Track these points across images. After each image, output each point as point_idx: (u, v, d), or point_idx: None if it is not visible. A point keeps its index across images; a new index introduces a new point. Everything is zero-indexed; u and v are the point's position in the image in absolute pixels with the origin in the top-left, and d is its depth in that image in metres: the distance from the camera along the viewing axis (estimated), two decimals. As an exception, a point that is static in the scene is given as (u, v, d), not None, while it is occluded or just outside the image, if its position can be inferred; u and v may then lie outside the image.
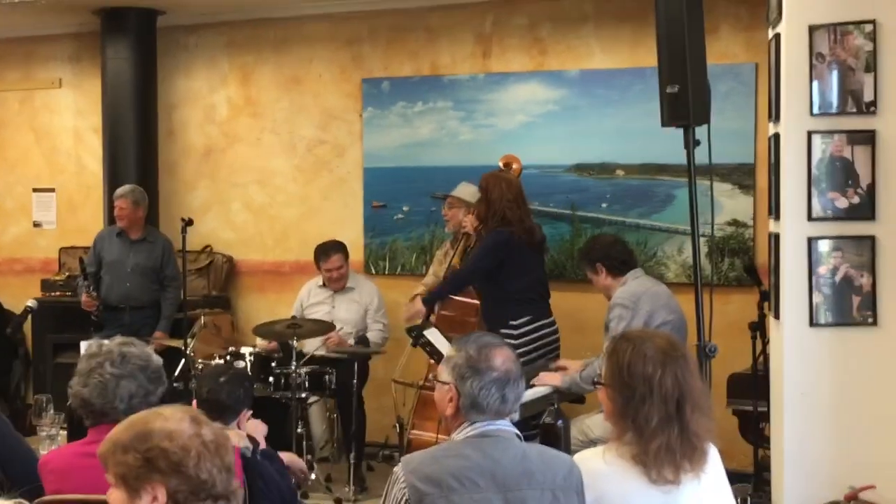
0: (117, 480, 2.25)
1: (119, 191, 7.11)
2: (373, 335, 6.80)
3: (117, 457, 2.25)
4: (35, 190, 8.68)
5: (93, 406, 3.13)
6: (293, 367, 6.05)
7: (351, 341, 6.71)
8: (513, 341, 5.43)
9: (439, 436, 5.72)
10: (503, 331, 5.55)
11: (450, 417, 2.91)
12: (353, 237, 7.44)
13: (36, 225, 8.70)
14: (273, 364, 6.20)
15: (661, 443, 2.82)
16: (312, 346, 6.65)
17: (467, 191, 6.51)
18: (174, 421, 2.26)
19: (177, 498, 2.21)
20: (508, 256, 5.82)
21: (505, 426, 2.87)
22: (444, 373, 2.93)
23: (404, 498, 2.73)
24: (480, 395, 2.83)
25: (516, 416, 2.93)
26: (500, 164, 6.40)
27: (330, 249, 6.86)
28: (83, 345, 5.36)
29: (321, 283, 6.96)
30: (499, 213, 5.78)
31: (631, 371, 2.88)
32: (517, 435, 2.89)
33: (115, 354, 3.18)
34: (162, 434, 2.22)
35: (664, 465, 2.81)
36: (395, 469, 2.80)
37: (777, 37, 4.43)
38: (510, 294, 5.80)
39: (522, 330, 5.73)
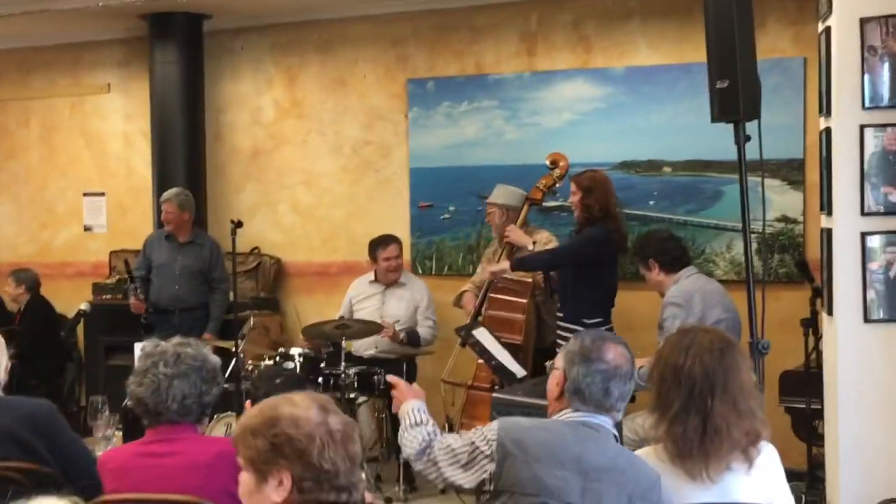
0: (246, 463, 2.31)
1: (165, 195, 7.18)
2: (423, 331, 6.81)
3: (247, 440, 2.30)
4: (86, 194, 8.79)
5: (147, 405, 3.16)
6: (342, 368, 6.07)
7: (402, 335, 6.72)
8: None
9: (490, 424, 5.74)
10: (573, 327, 5.53)
11: (553, 401, 3.01)
12: (400, 237, 7.42)
13: (87, 229, 8.81)
14: (322, 365, 6.22)
15: (678, 431, 2.84)
16: (362, 345, 6.68)
17: (500, 193, 6.50)
18: (303, 408, 2.29)
19: (301, 485, 2.25)
20: (607, 257, 5.82)
21: (607, 423, 2.94)
22: (558, 359, 3.04)
23: (490, 450, 2.86)
24: (584, 383, 2.92)
25: (619, 416, 2.99)
26: (547, 163, 6.37)
27: (388, 239, 6.92)
28: (137, 347, 5.43)
29: (372, 278, 6.98)
30: (604, 207, 5.74)
31: (666, 360, 2.93)
32: (615, 436, 2.93)
33: (169, 354, 3.21)
34: (289, 420, 2.26)
35: (685, 457, 2.81)
36: (492, 423, 2.93)
37: (827, 30, 4.38)
38: (593, 294, 5.76)
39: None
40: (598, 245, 5.74)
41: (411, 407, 3.27)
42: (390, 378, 3.61)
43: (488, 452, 2.87)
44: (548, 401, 3.09)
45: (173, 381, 3.15)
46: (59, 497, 2.01)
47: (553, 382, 3.02)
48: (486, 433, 2.90)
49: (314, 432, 2.25)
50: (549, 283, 6.05)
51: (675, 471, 2.86)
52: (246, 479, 2.31)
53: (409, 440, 3.14)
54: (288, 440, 2.24)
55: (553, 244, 6.25)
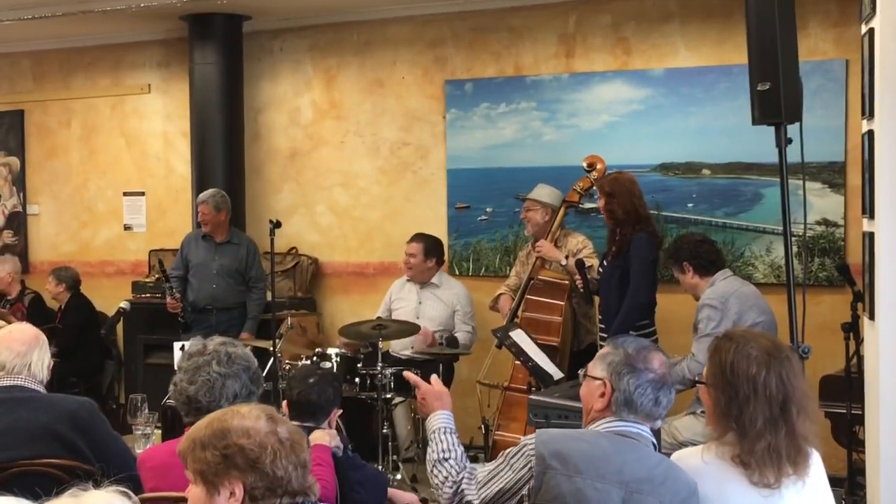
0: (196, 477, 2.31)
1: (202, 196, 7.23)
2: (461, 336, 6.80)
3: (196, 454, 2.30)
4: (126, 194, 8.87)
5: (199, 403, 3.19)
6: (379, 368, 6.08)
7: (440, 340, 6.71)
8: None
9: (525, 437, 5.73)
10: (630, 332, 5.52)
11: (597, 411, 2.95)
12: (438, 238, 7.44)
13: (127, 228, 8.89)
14: (359, 365, 6.24)
15: (766, 444, 2.79)
16: (399, 345, 6.69)
17: (543, 192, 6.49)
18: (251, 419, 2.30)
19: (254, 494, 2.26)
20: (657, 264, 5.80)
21: (646, 432, 2.90)
22: (597, 368, 2.97)
23: (529, 464, 2.81)
24: (636, 394, 2.88)
25: (660, 423, 2.96)
26: (584, 165, 6.35)
27: (413, 237, 6.95)
28: (176, 346, 5.48)
29: (407, 277, 7.00)
30: (632, 212, 5.70)
31: (735, 370, 2.86)
32: (653, 444, 2.90)
33: (221, 354, 3.25)
34: (239, 431, 2.27)
35: (767, 466, 2.78)
36: (525, 438, 2.87)
37: (871, 31, 4.33)
38: (643, 301, 5.72)
39: (642, 333, 5.67)
40: (653, 257, 5.71)
41: (438, 426, 3.14)
42: (407, 375, 3.53)
43: (528, 467, 2.81)
44: (584, 409, 3.04)
45: (226, 380, 3.19)
46: (109, 491, 2.04)
47: (596, 393, 2.94)
48: (521, 454, 2.84)
49: (265, 441, 2.26)
50: (588, 288, 6.00)
51: (734, 474, 2.82)
52: (195, 492, 2.31)
53: (439, 479, 3.01)
54: (240, 450, 2.25)
55: (588, 249, 6.22)
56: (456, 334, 6.80)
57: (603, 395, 2.92)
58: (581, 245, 6.23)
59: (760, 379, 2.82)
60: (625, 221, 5.70)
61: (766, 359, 2.84)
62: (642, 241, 5.66)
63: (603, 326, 5.84)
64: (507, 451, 2.90)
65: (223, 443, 2.27)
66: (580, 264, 5.95)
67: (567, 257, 6.15)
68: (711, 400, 2.92)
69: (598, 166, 6.31)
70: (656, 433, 4.25)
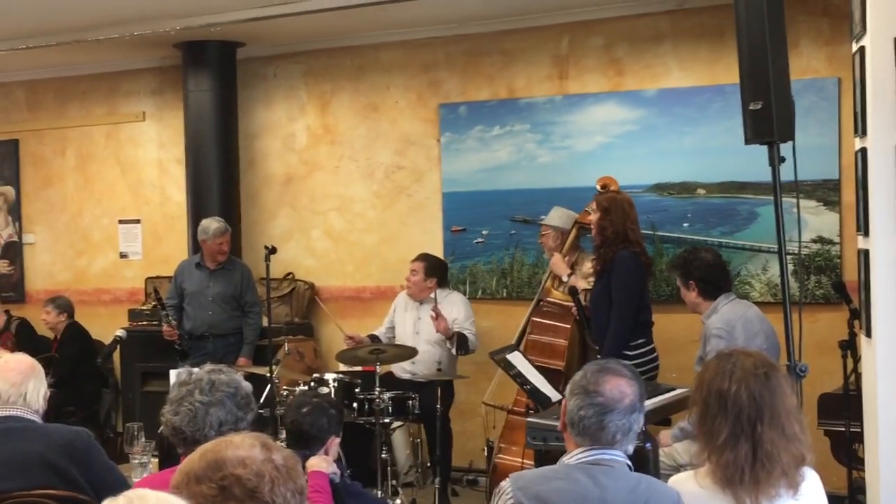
0: None
1: (218, 227, 7.17)
2: (468, 335, 6.74)
3: (192, 488, 2.23)
4: (121, 221, 8.88)
5: (184, 433, 3.17)
6: (377, 393, 6.06)
7: (452, 330, 6.68)
8: (627, 362, 5.39)
9: (524, 461, 5.71)
10: (624, 352, 5.55)
11: (562, 431, 2.94)
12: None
13: (122, 256, 8.89)
14: (357, 390, 6.23)
15: (728, 459, 2.79)
16: (398, 366, 6.68)
17: (555, 215, 6.50)
18: (245, 448, 2.25)
19: None
20: (643, 281, 5.80)
21: (619, 456, 2.85)
22: (568, 386, 2.96)
23: None
24: (578, 415, 2.84)
25: (630, 448, 2.90)
26: (598, 187, 6.33)
27: (419, 255, 6.95)
28: (173, 373, 5.47)
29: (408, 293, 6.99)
30: (622, 233, 5.72)
31: (710, 386, 2.88)
32: (628, 465, 2.87)
33: (204, 382, 3.22)
34: (235, 461, 2.21)
35: (736, 484, 2.77)
36: (503, 483, 2.82)
37: (861, 50, 4.35)
38: (635, 319, 5.73)
39: (638, 352, 5.68)
40: (637, 276, 5.72)
41: None
42: None
43: None
44: None
45: (209, 408, 3.16)
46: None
47: (562, 414, 2.94)
48: (501, 496, 2.78)
49: (262, 469, 2.21)
50: (584, 314, 6.00)
51: (723, 498, 2.82)
52: None
53: None
54: (237, 481, 2.19)
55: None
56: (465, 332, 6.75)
57: (560, 416, 2.92)
58: (592, 269, 6.23)
59: (731, 394, 2.82)
60: (612, 241, 5.71)
61: (741, 375, 2.85)
62: (625, 260, 5.67)
63: (598, 348, 5.84)
64: (491, 500, 2.85)
65: (219, 474, 2.23)
66: (573, 291, 5.96)
67: (571, 274, 6.16)
68: (693, 416, 2.93)
69: (612, 187, 6.29)
70: (654, 453, 4.27)
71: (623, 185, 6.62)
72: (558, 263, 6.26)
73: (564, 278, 6.18)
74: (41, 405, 3.76)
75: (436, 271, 6.88)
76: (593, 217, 5.86)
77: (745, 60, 4.12)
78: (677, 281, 5.48)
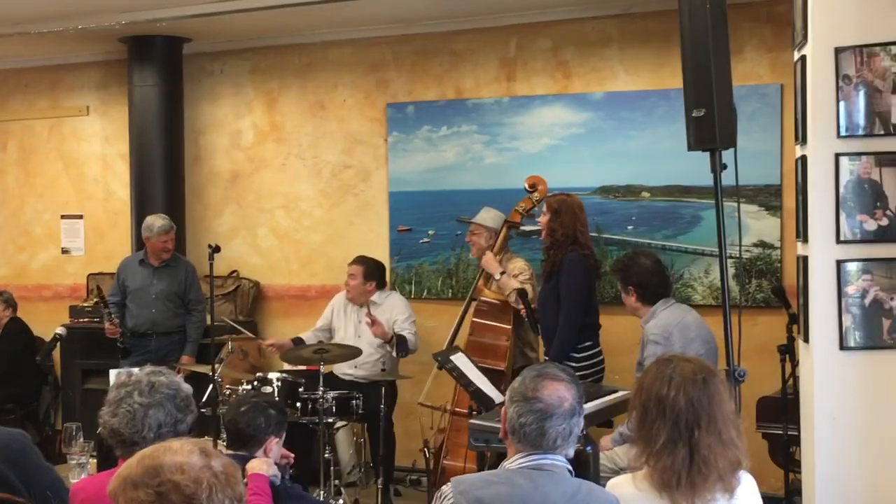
0: None
1: (163, 225, 7.09)
2: (408, 336, 6.71)
3: (128, 493, 2.21)
4: (63, 216, 8.76)
5: (122, 436, 3.13)
6: (320, 392, 6.04)
7: (387, 347, 6.66)
8: (574, 364, 5.44)
9: (466, 465, 5.72)
10: (571, 354, 5.62)
11: (503, 438, 2.95)
12: (380, 261, 7.43)
13: (64, 251, 8.77)
14: (300, 389, 6.20)
15: (666, 464, 2.83)
16: (342, 365, 6.65)
17: (488, 215, 6.52)
18: (183, 454, 2.23)
19: None
20: (592, 284, 5.83)
21: (559, 461, 2.87)
22: (507, 393, 2.96)
23: None
24: (518, 422, 2.85)
25: (571, 452, 2.92)
26: (526, 186, 6.39)
27: (355, 259, 6.91)
28: (112, 373, 5.42)
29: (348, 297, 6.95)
30: (571, 235, 5.74)
31: (649, 391, 2.92)
32: (569, 471, 2.89)
33: (143, 384, 3.19)
34: (173, 467, 2.19)
35: (673, 489, 2.81)
36: (444, 487, 2.83)
37: (803, 59, 4.41)
38: (583, 321, 5.75)
39: (584, 354, 5.71)
40: (585, 279, 5.75)
41: None
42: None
43: None
44: None
45: (148, 410, 3.13)
46: None
47: (502, 421, 2.95)
48: (442, 500, 2.79)
49: (200, 476, 2.19)
50: (533, 318, 6.01)
51: (660, 501, 2.85)
52: None
53: None
54: (174, 487, 2.17)
55: (525, 275, 6.23)
56: (403, 333, 6.73)
57: (502, 420, 2.93)
58: (518, 271, 6.24)
59: (669, 400, 2.86)
60: (561, 243, 5.74)
61: (679, 381, 2.88)
62: (573, 262, 5.70)
63: (545, 349, 5.87)
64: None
65: (156, 480, 2.21)
66: (522, 294, 5.98)
67: (503, 273, 6.17)
68: (633, 420, 2.97)
69: (540, 187, 6.35)
70: (594, 456, 4.31)
71: (569, 187, 6.66)
72: (490, 262, 6.27)
73: (497, 276, 6.20)
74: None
75: (374, 274, 6.86)
76: (543, 219, 5.89)
77: (689, 68, 4.16)
78: (618, 285, 5.54)
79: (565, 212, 5.79)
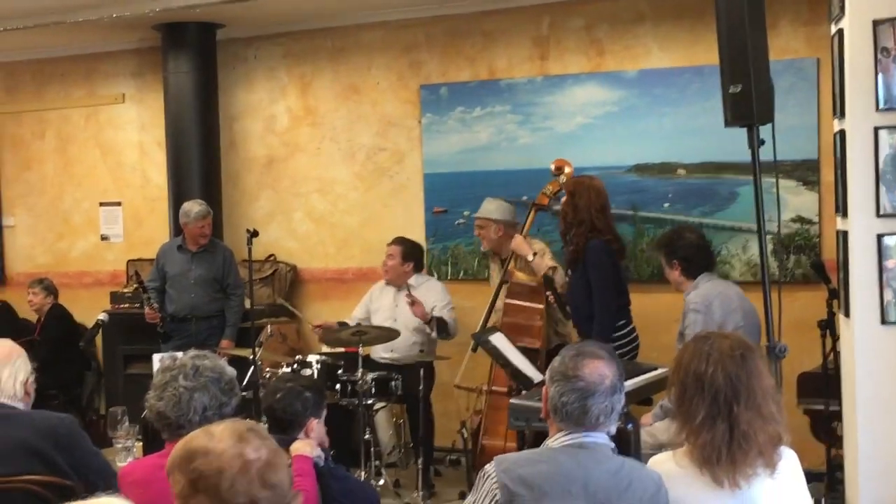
0: (176, 499, 2.27)
1: (200, 210, 7.13)
2: (448, 319, 6.73)
3: (173, 477, 2.26)
4: (102, 204, 8.84)
5: (168, 419, 3.18)
6: (359, 374, 6.08)
7: (427, 329, 6.69)
8: (612, 344, 5.45)
9: (507, 444, 5.75)
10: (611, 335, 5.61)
11: (545, 418, 2.96)
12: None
13: (104, 238, 8.86)
14: (339, 371, 6.24)
15: (706, 440, 2.83)
16: (379, 348, 6.69)
17: (490, 207, 6.52)
18: (216, 440, 2.24)
19: None
20: (617, 268, 5.82)
21: (601, 439, 2.88)
22: (547, 373, 2.97)
23: (494, 497, 2.78)
24: (560, 401, 2.86)
25: (613, 429, 2.93)
26: (552, 168, 6.36)
27: (394, 240, 6.93)
28: (155, 357, 5.47)
29: (386, 280, 6.98)
30: (586, 221, 5.72)
31: (687, 368, 2.92)
32: (612, 449, 2.90)
33: (188, 367, 3.23)
34: (201, 454, 2.21)
35: (713, 464, 2.81)
36: (487, 467, 2.84)
37: (840, 32, 4.37)
38: (611, 307, 5.74)
39: (620, 333, 5.73)
40: (610, 265, 5.75)
41: None
42: None
43: (494, 500, 2.77)
44: None
45: (194, 393, 3.17)
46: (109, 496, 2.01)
47: (543, 399, 2.96)
48: (484, 486, 2.80)
49: (224, 465, 2.19)
50: (562, 303, 6.01)
51: (701, 478, 2.85)
52: None
53: None
54: (201, 475, 2.19)
55: (547, 256, 6.24)
56: (443, 315, 6.76)
57: (544, 400, 2.94)
58: (542, 251, 6.25)
59: (707, 376, 2.85)
60: (575, 227, 5.74)
61: (717, 357, 2.88)
62: (597, 250, 5.69)
63: (579, 333, 5.87)
64: (476, 483, 2.87)
65: (189, 466, 2.22)
66: (548, 281, 5.97)
67: (535, 254, 6.18)
68: (672, 397, 2.97)
69: (566, 170, 6.32)
70: (635, 434, 4.31)
71: (604, 165, 6.66)
72: (522, 245, 6.26)
73: (530, 258, 6.20)
74: (18, 391, 3.71)
75: (412, 255, 6.88)
76: (563, 201, 5.90)
77: (725, 44, 4.15)
78: (661, 260, 5.53)
79: (579, 194, 5.78)
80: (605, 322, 5.68)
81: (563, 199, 5.88)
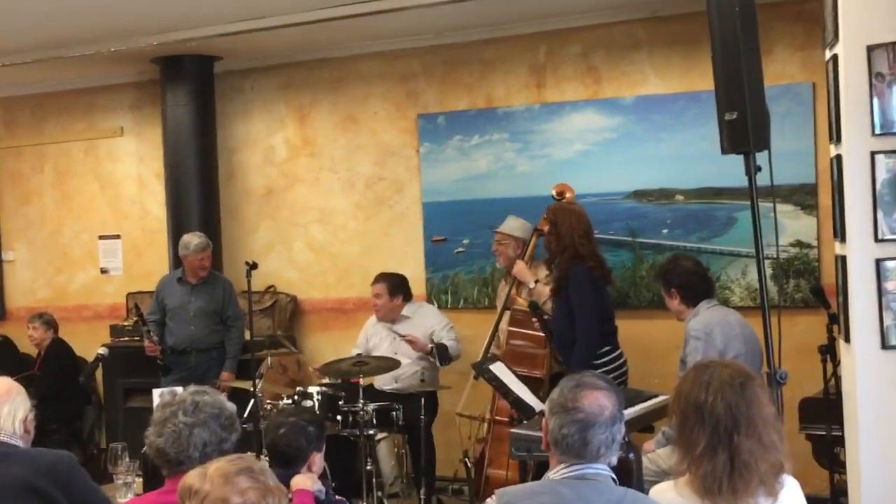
0: None
1: (199, 243, 7.16)
2: (449, 343, 6.75)
3: None
4: (101, 237, 8.85)
5: (168, 455, 3.17)
6: (360, 405, 6.07)
7: (430, 346, 6.68)
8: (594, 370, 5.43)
9: (509, 473, 5.72)
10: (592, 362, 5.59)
11: (546, 450, 2.94)
12: (415, 272, 7.46)
13: (103, 271, 8.87)
14: (340, 402, 6.22)
15: (706, 470, 2.81)
16: (383, 380, 6.68)
17: (514, 225, 6.53)
18: (206, 480, 2.27)
19: None
20: (600, 295, 5.81)
21: (603, 470, 2.87)
22: (546, 404, 2.95)
23: None
24: (560, 434, 2.85)
25: (614, 460, 2.91)
26: (554, 193, 6.38)
27: (376, 277, 6.92)
28: (156, 393, 5.46)
29: (378, 318, 6.97)
30: (570, 248, 5.74)
31: (687, 397, 2.90)
32: (613, 479, 2.88)
33: (188, 403, 3.22)
34: (190, 494, 2.25)
35: (715, 494, 2.79)
36: (489, 500, 2.83)
37: (834, 58, 4.39)
38: (593, 333, 5.73)
39: (604, 360, 5.71)
40: (592, 292, 5.74)
41: None
42: None
43: None
44: None
45: (193, 429, 3.16)
46: None
47: (543, 432, 2.95)
48: None
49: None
50: (547, 326, 6.00)
51: (704, 498, 2.84)
52: None
53: None
54: None
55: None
56: (444, 341, 6.76)
57: (544, 432, 2.93)
58: (547, 279, 6.25)
59: (707, 405, 2.84)
60: (558, 253, 5.76)
61: (717, 386, 2.86)
62: (579, 276, 5.70)
63: (562, 360, 5.86)
64: None
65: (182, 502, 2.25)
66: (534, 307, 5.97)
67: (537, 281, 6.18)
68: (672, 427, 2.96)
69: (568, 195, 6.33)
70: (637, 463, 4.29)
71: (602, 192, 6.66)
72: (523, 271, 6.27)
73: (531, 285, 6.21)
74: (17, 428, 3.68)
75: (399, 288, 6.88)
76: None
77: (720, 70, 4.15)
78: (661, 290, 5.53)
79: (561, 221, 5.81)
80: (586, 348, 5.68)
81: (546, 228, 5.89)
